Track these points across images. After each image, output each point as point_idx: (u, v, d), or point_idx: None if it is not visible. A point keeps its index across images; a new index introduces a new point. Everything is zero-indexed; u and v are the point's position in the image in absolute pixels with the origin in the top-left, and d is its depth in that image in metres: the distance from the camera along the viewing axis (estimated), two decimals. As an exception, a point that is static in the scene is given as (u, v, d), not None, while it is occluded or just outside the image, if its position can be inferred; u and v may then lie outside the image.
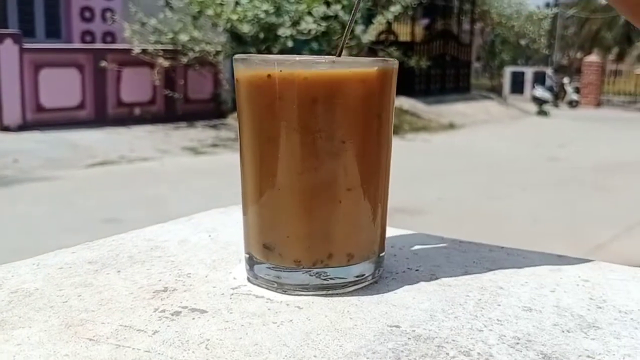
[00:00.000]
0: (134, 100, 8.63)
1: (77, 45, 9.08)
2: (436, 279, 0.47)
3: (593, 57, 15.82)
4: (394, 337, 0.37)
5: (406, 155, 6.49)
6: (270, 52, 7.87)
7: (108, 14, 9.49)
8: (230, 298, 0.43)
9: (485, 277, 0.48)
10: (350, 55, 7.58)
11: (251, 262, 0.46)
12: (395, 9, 8.26)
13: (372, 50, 8.67)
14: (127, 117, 8.42)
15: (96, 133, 7.58)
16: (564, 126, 10.89)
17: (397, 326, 0.39)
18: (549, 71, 14.94)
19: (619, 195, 5.33)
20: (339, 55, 0.47)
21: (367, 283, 0.46)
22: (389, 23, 9.17)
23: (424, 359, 0.35)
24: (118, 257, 0.51)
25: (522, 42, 14.24)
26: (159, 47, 8.28)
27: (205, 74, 8.96)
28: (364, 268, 0.46)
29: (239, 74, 0.46)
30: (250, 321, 0.39)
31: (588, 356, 0.36)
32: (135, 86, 8.59)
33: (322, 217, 0.44)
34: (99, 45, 9.33)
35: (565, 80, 14.86)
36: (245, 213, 0.47)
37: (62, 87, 7.95)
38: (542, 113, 12.56)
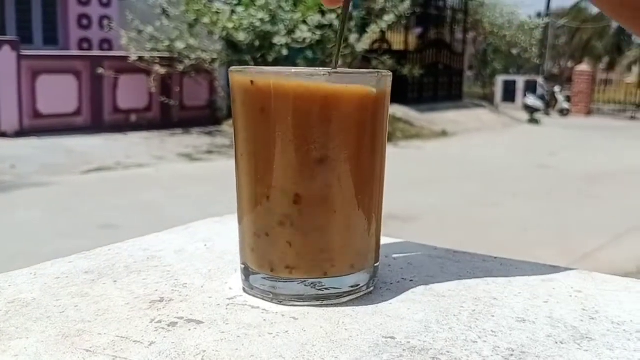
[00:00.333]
0: (130, 107, 8.63)
1: (75, 52, 9.09)
2: (430, 289, 0.47)
3: (584, 66, 15.94)
4: (389, 348, 0.38)
5: (399, 162, 6.51)
6: (265, 60, 7.89)
7: (105, 22, 9.52)
8: (226, 309, 0.43)
9: (479, 287, 0.48)
10: (345, 63, 7.61)
11: (247, 272, 0.46)
12: (388, 18, 8.30)
13: (365, 58, 8.71)
14: (124, 123, 8.42)
15: (92, 139, 7.57)
16: (554, 134, 10.95)
17: (392, 337, 0.39)
18: (540, 80, 15.00)
19: (608, 203, 5.35)
20: (335, 67, 0.47)
21: (362, 293, 0.46)
22: (382, 32, 9.21)
23: (419, 370, 0.35)
24: (114, 267, 0.51)
25: (514, 51, 14.34)
26: (156, 54, 8.30)
27: (201, 81, 8.97)
28: (359, 278, 0.46)
29: (234, 85, 0.46)
30: (246, 332, 0.40)
31: (581, 367, 0.36)
32: (131, 93, 8.59)
33: (317, 228, 0.44)
34: (96, 52, 9.35)
35: (557, 88, 14.94)
36: (240, 222, 0.47)
37: (59, 93, 7.95)
38: (533, 121, 12.63)
